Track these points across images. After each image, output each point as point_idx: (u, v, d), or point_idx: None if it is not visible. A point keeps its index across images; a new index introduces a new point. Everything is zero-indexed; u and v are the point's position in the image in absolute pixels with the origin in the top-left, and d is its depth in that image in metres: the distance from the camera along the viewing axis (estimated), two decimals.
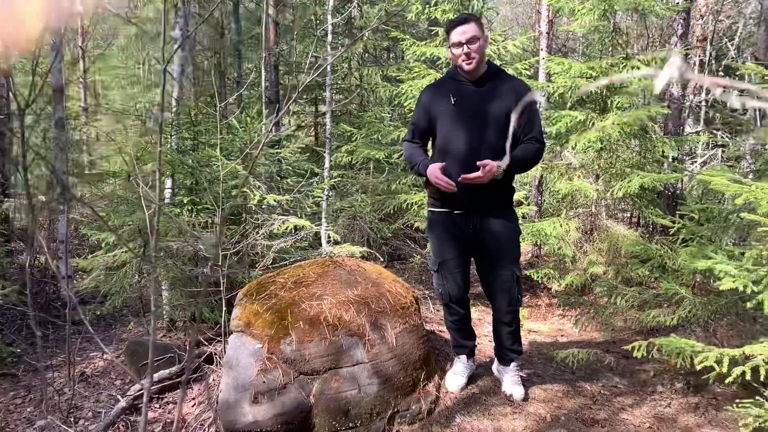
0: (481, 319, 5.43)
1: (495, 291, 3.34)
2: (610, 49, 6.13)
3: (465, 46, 3.09)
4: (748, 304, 2.20)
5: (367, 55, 8.47)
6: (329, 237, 5.14)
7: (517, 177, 3.42)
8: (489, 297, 3.46)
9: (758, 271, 2.17)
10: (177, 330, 4.57)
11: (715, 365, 2.17)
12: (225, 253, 3.40)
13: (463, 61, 3.13)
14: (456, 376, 3.55)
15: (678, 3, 6.58)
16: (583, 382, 3.86)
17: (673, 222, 3.53)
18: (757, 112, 5.95)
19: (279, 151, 4.57)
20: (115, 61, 12.48)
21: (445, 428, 3.18)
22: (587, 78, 5.89)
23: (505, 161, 3.01)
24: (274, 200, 3.89)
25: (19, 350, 4.63)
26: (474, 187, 3.09)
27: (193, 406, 3.46)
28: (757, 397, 2.43)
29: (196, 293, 3.70)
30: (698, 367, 2.23)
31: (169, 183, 4.78)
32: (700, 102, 10.14)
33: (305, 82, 1.55)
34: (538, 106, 4.81)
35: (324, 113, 7.00)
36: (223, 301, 2.29)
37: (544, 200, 8.04)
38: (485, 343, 4.50)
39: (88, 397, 3.70)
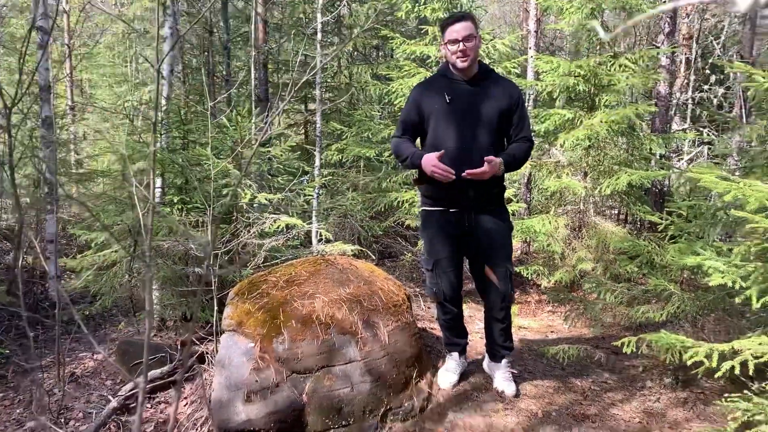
0: (472, 316, 5.46)
1: (489, 288, 3.36)
2: (597, 47, 6.17)
3: (461, 43, 3.10)
4: (737, 300, 2.23)
5: (356, 53, 8.47)
6: (320, 235, 5.14)
7: (506, 175, 3.46)
8: (482, 294, 3.48)
9: (746, 267, 2.21)
10: (167, 329, 4.56)
11: (705, 360, 2.20)
12: (216, 252, 3.40)
13: (458, 58, 3.14)
14: (448, 374, 3.56)
15: (664, 1, 6.63)
16: (573, 378, 3.89)
17: (662, 219, 3.56)
18: (743, 110, 6.03)
19: (269, 149, 4.56)
20: (101, 59, 12.39)
21: (438, 425, 3.20)
22: (575, 76, 5.93)
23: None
24: (266, 199, 3.89)
25: (7, 351, 4.60)
26: (468, 186, 3.12)
27: (185, 405, 3.45)
28: (746, 391, 2.46)
29: (188, 292, 3.70)
30: (688, 363, 2.26)
31: (158, 182, 4.76)
32: (686, 100, 10.24)
33: (301, 81, 1.55)
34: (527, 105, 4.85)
35: (314, 111, 6.99)
36: (215, 300, 2.29)
37: (533, 198, 8.09)
38: (476, 340, 4.52)
39: (79, 398, 3.69)
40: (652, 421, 3.35)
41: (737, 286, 2.20)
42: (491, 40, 6.17)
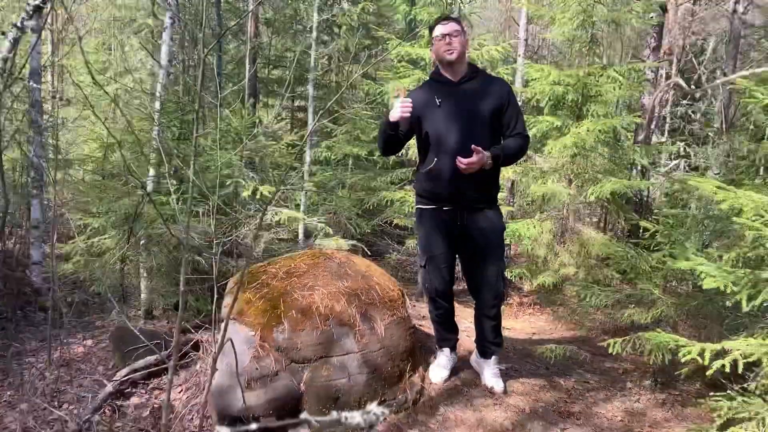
0: (458, 315, 5.56)
1: (480, 285, 3.45)
2: (587, 58, 6.34)
3: (447, 37, 3.20)
4: (728, 303, 2.37)
5: (347, 53, 8.54)
6: (317, 229, 5.20)
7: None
8: (474, 291, 3.57)
9: (736, 273, 2.34)
10: (160, 318, 4.58)
11: (698, 358, 2.33)
12: (217, 241, 3.44)
13: (445, 51, 3.23)
14: (439, 369, 3.65)
15: (652, 17, 6.84)
16: (557, 377, 4.01)
17: (653, 225, 3.71)
18: (724, 125, 6.26)
19: (273, 143, 4.61)
20: (86, 46, 12.25)
21: (430, 418, 3.29)
22: (564, 85, 6.08)
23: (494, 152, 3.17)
24: (267, 192, 3.95)
25: None
26: (462, 183, 3.20)
27: (180, 392, 3.49)
28: (729, 391, 2.60)
29: (188, 280, 3.72)
30: (682, 360, 2.38)
31: (152, 171, 4.77)
32: (665, 114, 10.51)
33: (330, 102, 1.61)
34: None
35: (305, 108, 7.04)
36: (215, 288, 2.34)
37: (515, 202, 8.25)
38: (463, 338, 4.62)
39: (71, 382, 3.69)
40: (634, 420, 3.49)
41: (729, 290, 2.34)
42: (485, 46, 6.28)
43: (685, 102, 10.18)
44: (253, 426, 2.96)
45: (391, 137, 3.34)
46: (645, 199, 7.40)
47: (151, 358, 3.65)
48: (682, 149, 9.51)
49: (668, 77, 10.12)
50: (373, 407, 0.96)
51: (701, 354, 2.34)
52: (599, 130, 5.71)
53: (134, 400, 3.53)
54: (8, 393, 3.70)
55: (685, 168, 9.62)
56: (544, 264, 6.20)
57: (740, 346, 2.26)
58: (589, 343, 4.89)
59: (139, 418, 3.37)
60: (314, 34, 6.35)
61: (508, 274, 6.23)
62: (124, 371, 3.58)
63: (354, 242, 5.34)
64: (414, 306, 5.68)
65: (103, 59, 12.59)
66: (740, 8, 7.22)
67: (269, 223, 4.46)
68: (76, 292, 5.42)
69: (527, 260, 6.51)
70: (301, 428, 3.10)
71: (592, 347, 4.69)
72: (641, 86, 6.70)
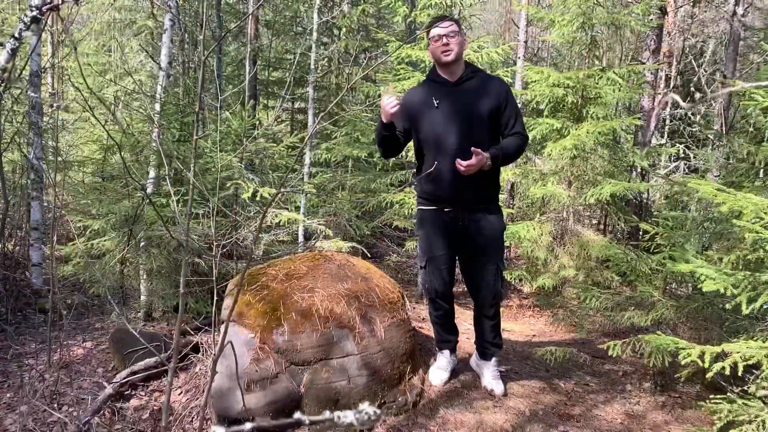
0: (458, 317, 5.57)
1: (480, 285, 3.47)
2: (586, 60, 6.35)
3: (444, 37, 3.18)
4: (728, 306, 2.37)
5: (347, 55, 8.55)
6: (318, 231, 5.21)
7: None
8: (473, 291, 3.58)
9: (736, 275, 2.34)
10: (159, 320, 4.57)
11: (698, 360, 2.33)
12: (216, 243, 3.44)
13: (442, 52, 3.22)
14: (439, 371, 3.66)
15: (651, 19, 6.85)
16: (557, 379, 4.01)
17: (653, 227, 3.72)
18: (723, 127, 6.27)
19: (273, 144, 4.62)
20: (85, 48, 12.27)
21: (430, 420, 3.29)
22: (564, 87, 6.09)
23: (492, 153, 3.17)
24: (268, 194, 3.95)
25: None
26: (463, 182, 3.21)
27: (180, 394, 3.49)
28: (729, 394, 2.60)
29: (187, 282, 3.73)
30: (682, 363, 2.39)
31: (152, 173, 4.77)
32: (664, 116, 10.52)
33: (331, 105, 1.62)
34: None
35: (305, 109, 7.04)
36: (215, 290, 2.34)
37: (515, 204, 8.26)
38: (463, 340, 4.62)
39: (71, 384, 3.69)
40: (633, 422, 3.49)
41: (729, 293, 2.34)
42: (485, 49, 6.29)
43: (684, 104, 10.20)
44: (248, 426, 2.96)
45: (387, 138, 3.35)
46: (645, 201, 7.40)
47: (150, 360, 3.65)
48: (681, 151, 9.52)
49: (668, 79, 10.13)
50: (365, 406, 0.96)
51: (701, 356, 2.34)
52: (599, 132, 5.71)
53: (134, 402, 3.53)
54: (8, 395, 3.69)
55: (684, 170, 9.63)
56: (543, 266, 6.20)
57: (740, 349, 2.27)
58: (588, 346, 4.90)
59: (139, 421, 3.37)
60: (314, 36, 6.36)
61: (507, 276, 6.23)
62: (123, 373, 3.58)
63: (354, 244, 5.35)
64: (414, 308, 5.69)
65: (103, 61, 12.59)
66: (740, 10, 7.23)
67: (269, 225, 4.46)
68: (75, 294, 5.41)
69: (527, 262, 6.51)
70: (299, 429, 3.10)
71: (591, 350, 4.69)
72: (641, 88, 6.71)
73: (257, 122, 6.33)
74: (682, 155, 10.04)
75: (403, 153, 5.54)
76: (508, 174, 6.67)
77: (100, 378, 3.80)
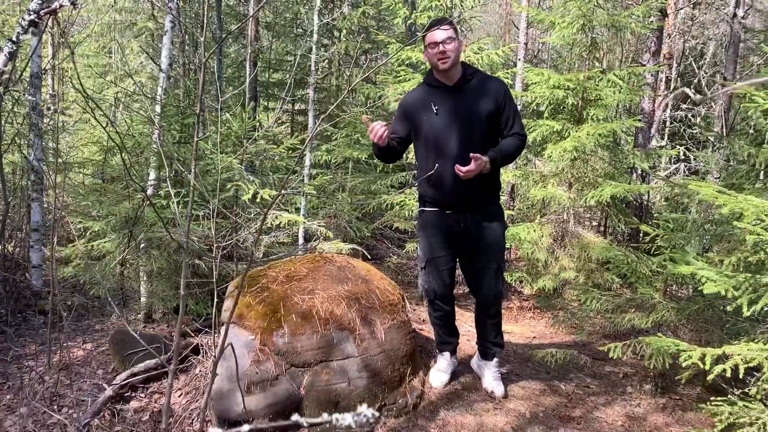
0: (458, 319, 5.56)
1: (482, 285, 3.48)
2: (587, 62, 6.35)
3: (441, 45, 3.15)
4: (729, 308, 2.37)
5: (348, 56, 8.55)
6: (318, 233, 5.21)
7: None
8: (474, 291, 3.59)
9: (737, 278, 2.34)
10: (159, 321, 4.57)
11: (699, 362, 2.33)
12: (217, 245, 3.45)
13: (438, 59, 3.19)
14: (439, 373, 3.65)
15: (652, 21, 6.85)
16: (557, 381, 4.01)
17: (653, 229, 3.72)
18: (724, 129, 6.27)
19: (274, 146, 4.62)
20: (86, 50, 12.28)
21: (430, 422, 3.28)
22: (565, 89, 6.09)
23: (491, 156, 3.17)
24: (268, 196, 3.95)
25: None
26: (464, 186, 3.21)
27: (180, 396, 3.48)
28: (729, 396, 2.60)
29: (188, 284, 3.72)
30: (683, 365, 2.38)
31: (152, 175, 4.78)
32: (665, 118, 10.53)
33: (332, 106, 1.62)
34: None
35: (305, 111, 7.04)
36: (215, 291, 2.33)
37: (515, 206, 8.25)
38: (463, 342, 4.62)
39: (71, 386, 3.68)
40: (634, 424, 3.48)
41: (729, 295, 2.34)
42: (485, 50, 6.29)
43: (685, 106, 10.20)
44: (245, 428, 2.96)
45: (384, 151, 3.36)
46: (645, 203, 7.40)
47: (150, 362, 3.64)
48: (682, 153, 9.52)
49: (668, 81, 10.13)
50: (363, 409, 0.96)
51: (702, 359, 2.34)
52: (599, 134, 5.71)
53: (134, 404, 3.53)
54: (8, 397, 3.69)
55: (684, 172, 9.63)
56: (544, 268, 6.20)
57: (741, 351, 2.26)
58: (589, 348, 4.89)
59: (139, 422, 3.36)
60: (315, 37, 6.36)
61: (508, 278, 6.22)
62: (123, 375, 3.57)
63: (354, 246, 5.34)
64: (414, 310, 5.68)
65: (104, 63, 12.60)
66: (740, 12, 7.23)
67: (269, 227, 4.46)
68: (75, 295, 5.41)
69: (527, 264, 6.51)
70: (298, 431, 3.10)
71: (592, 351, 4.69)
72: (641, 90, 6.72)
73: (258, 124, 6.34)
74: (683, 157, 10.05)
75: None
76: (508, 176, 6.68)
77: (100, 380, 3.80)
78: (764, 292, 2.39)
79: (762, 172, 3.84)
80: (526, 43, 8.30)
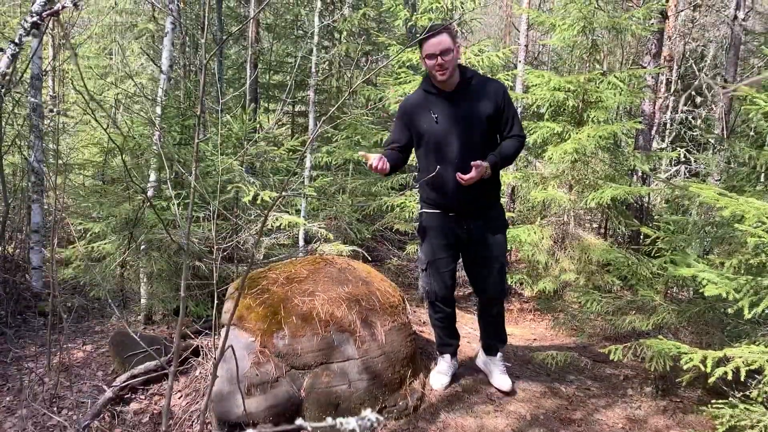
0: (458, 320, 5.56)
1: (485, 283, 3.50)
2: (587, 64, 6.35)
3: (439, 57, 3.13)
4: (730, 310, 2.36)
5: (348, 58, 8.56)
6: (319, 235, 5.20)
7: None
8: (478, 289, 3.61)
9: (738, 280, 2.34)
10: (159, 323, 4.57)
11: (700, 365, 2.32)
12: (217, 247, 3.44)
13: (437, 71, 3.18)
14: (440, 375, 3.65)
15: (652, 23, 6.85)
16: (558, 383, 4.00)
17: (654, 231, 3.71)
18: (725, 132, 6.27)
19: (275, 148, 4.62)
20: (86, 51, 12.29)
21: (431, 424, 3.28)
22: (565, 91, 6.09)
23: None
24: (269, 197, 3.95)
25: None
26: (465, 191, 3.22)
27: (180, 398, 3.48)
28: (731, 399, 2.59)
29: (188, 286, 3.72)
30: (684, 367, 2.38)
31: (153, 176, 4.77)
32: (665, 120, 10.53)
33: (333, 108, 1.61)
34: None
35: (305, 113, 7.04)
36: (215, 293, 2.33)
37: (516, 208, 8.25)
38: (463, 344, 4.61)
39: (70, 387, 3.68)
40: (635, 427, 3.47)
41: (731, 297, 2.33)
42: (486, 53, 6.29)
43: (685, 108, 10.20)
44: None
45: (389, 172, 3.37)
46: (645, 205, 7.40)
47: (150, 364, 3.64)
48: (682, 155, 9.52)
49: (668, 83, 10.13)
50: (367, 413, 0.95)
51: (703, 361, 2.34)
52: (600, 136, 5.71)
53: (134, 405, 3.52)
54: (7, 398, 3.69)
55: (685, 174, 9.63)
56: (544, 270, 6.19)
57: (742, 354, 2.26)
58: (589, 350, 4.88)
59: (139, 424, 3.36)
60: (315, 39, 6.36)
61: (508, 279, 6.22)
62: (123, 377, 3.57)
63: (354, 247, 5.34)
64: (414, 311, 5.67)
65: (104, 64, 12.61)
66: (741, 15, 7.23)
67: (270, 228, 4.46)
68: (75, 297, 5.40)
69: (527, 266, 6.51)
70: None
71: (592, 354, 4.68)
72: (641, 92, 6.71)
73: (258, 125, 6.33)
74: (683, 159, 10.04)
75: None
76: (508, 177, 6.68)
77: (99, 381, 3.80)
78: (765, 295, 2.39)
79: (763, 175, 3.84)
80: (526, 45, 8.30)
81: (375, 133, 6.70)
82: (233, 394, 2.99)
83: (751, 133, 4.24)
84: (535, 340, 5.44)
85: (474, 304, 6.34)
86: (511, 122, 3.35)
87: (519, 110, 8.25)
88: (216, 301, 2.50)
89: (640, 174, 7.23)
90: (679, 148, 9.54)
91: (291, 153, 7.29)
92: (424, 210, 3.52)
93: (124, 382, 3.51)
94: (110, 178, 6.04)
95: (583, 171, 6.18)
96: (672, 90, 11.03)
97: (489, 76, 6.20)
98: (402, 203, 6.13)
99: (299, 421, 0.96)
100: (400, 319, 3.56)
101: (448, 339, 3.72)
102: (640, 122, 6.22)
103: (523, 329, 5.87)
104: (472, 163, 3.09)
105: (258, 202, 4.29)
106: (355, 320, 3.32)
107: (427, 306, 3.91)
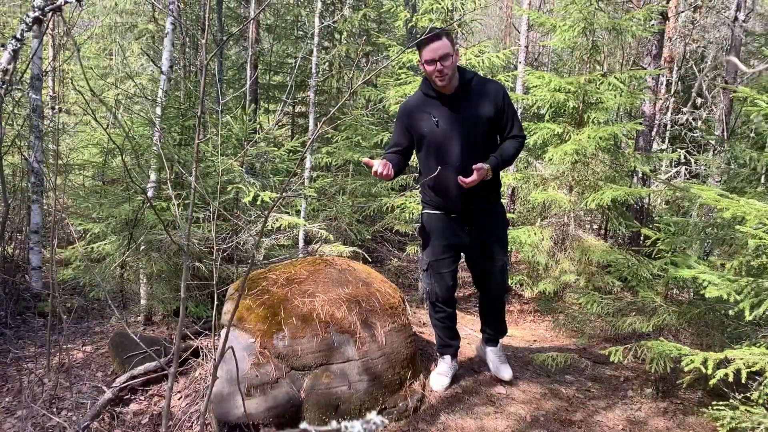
0: (459, 321, 5.55)
1: (488, 282, 3.56)
2: (587, 65, 6.35)
3: (438, 63, 3.12)
4: (731, 312, 2.36)
5: (348, 59, 8.56)
6: (319, 235, 5.20)
7: None
8: (481, 288, 3.66)
9: (739, 281, 2.34)
10: (159, 324, 4.56)
11: (701, 367, 2.32)
12: (217, 247, 3.44)
13: (436, 77, 3.17)
14: (440, 376, 3.65)
15: (653, 25, 6.85)
16: (558, 385, 3.99)
17: (655, 233, 3.71)
18: (725, 133, 6.27)
19: (274, 148, 4.62)
20: (86, 51, 12.30)
21: (431, 426, 3.27)
22: (566, 93, 6.09)
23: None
24: (269, 198, 3.94)
25: None
26: (467, 192, 3.23)
27: (179, 399, 3.47)
28: (731, 401, 2.59)
29: (188, 286, 3.72)
30: (685, 369, 2.38)
31: (153, 177, 4.77)
32: (666, 121, 10.53)
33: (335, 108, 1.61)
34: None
35: (305, 113, 7.04)
36: (215, 294, 2.32)
37: (516, 209, 8.25)
38: (464, 345, 4.60)
39: (70, 388, 3.67)
40: (636, 429, 3.46)
41: (731, 299, 2.33)
42: (482, 54, 6.29)
43: (686, 109, 10.21)
44: None
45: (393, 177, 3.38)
46: (646, 206, 7.40)
47: (150, 365, 3.63)
48: (682, 156, 9.52)
49: (669, 85, 10.13)
50: (373, 416, 0.95)
51: (704, 363, 2.34)
52: (600, 137, 5.71)
53: (133, 406, 3.52)
54: (7, 399, 3.68)
55: (685, 175, 9.63)
56: (544, 271, 6.19)
57: (743, 355, 2.26)
58: (589, 351, 4.88)
59: (138, 425, 3.35)
60: (315, 40, 6.36)
61: (508, 280, 6.22)
62: (123, 378, 3.56)
63: (354, 248, 5.34)
64: (414, 313, 5.67)
65: (104, 65, 12.63)
66: (741, 16, 7.23)
67: (270, 229, 4.45)
68: (75, 297, 5.40)
69: (528, 267, 6.51)
70: None
71: (593, 355, 4.67)
72: (642, 93, 6.72)
73: (258, 126, 6.33)
74: (684, 160, 10.04)
75: None
76: (509, 178, 6.68)
77: (99, 382, 3.79)
78: (766, 297, 2.39)
79: (763, 176, 3.83)
80: (526, 46, 8.30)
81: (375, 134, 6.69)
82: (233, 395, 2.98)
83: (752, 135, 4.24)
84: (535, 341, 5.43)
85: (475, 305, 6.34)
86: (511, 123, 3.36)
87: (519, 111, 8.26)
88: (216, 302, 2.49)
89: (640, 175, 7.23)
90: (679, 150, 9.53)
91: (291, 154, 7.28)
92: (425, 211, 3.53)
93: (124, 383, 3.50)
94: (110, 178, 6.04)
95: (583, 172, 6.18)
96: (672, 91, 11.02)
97: (489, 77, 6.21)
98: (402, 204, 6.13)
99: (304, 425, 0.96)
100: (400, 320, 3.55)
101: (449, 340, 3.72)
102: (640, 123, 6.22)
103: (523, 330, 5.86)
104: (474, 165, 3.10)
105: (258, 202, 4.28)
106: (355, 321, 3.31)
107: (427, 306, 3.91)
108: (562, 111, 6.36)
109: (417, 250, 6.11)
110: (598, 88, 6.10)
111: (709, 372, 2.28)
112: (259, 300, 3.33)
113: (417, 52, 3.29)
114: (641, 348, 3.16)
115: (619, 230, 6.42)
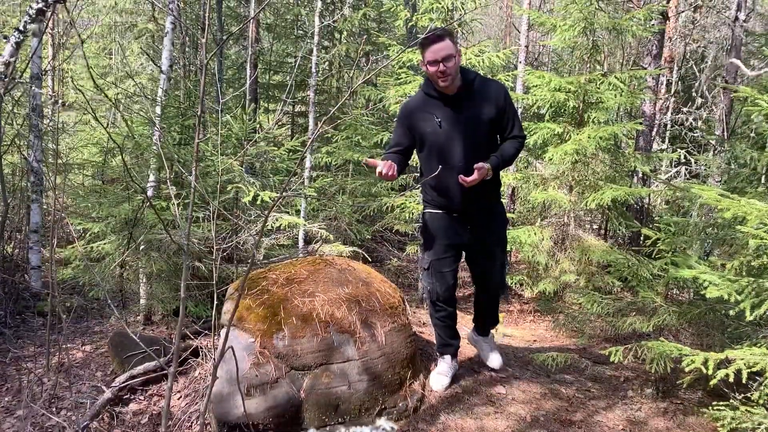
0: (459, 321, 5.55)
1: (488, 279, 3.59)
2: (588, 65, 6.34)
3: (441, 64, 3.09)
4: (732, 312, 2.36)
5: (348, 58, 8.55)
6: (318, 235, 5.20)
7: None
8: (480, 284, 3.69)
9: (740, 282, 2.33)
10: (159, 324, 4.56)
11: (702, 367, 2.32)
12: (217, 247, 3.44)
13: (439, 78, 3.15)
14: (440, 376, 3.64)
15: (653, 24, 6.85)
16: (558, 385, 3.99)
17: (655, 233, 3.71)
18: (725, 133, 6.27)
19: (274, 148, 4.61)
20: (86, 51, 12.29)
21: (431, 426, 3.27)
22: (566, 92, 6.09)
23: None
24: (269, 198, 3.94)
25: None
26: (468, 192, 3.23)
27: (179, 399, 3.47)
28: (732, 401, 2.59)
29: (187, 286, 3.71)
30: (685, 369, 2.37)
31: (152, 176, 4.76)
32: (666, 121, 10.52)
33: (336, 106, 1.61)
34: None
35: (305, 113, 7.03)
36: (215, 294, 2.32)
37: (516, 209, 8.25)
38: (464, 345, 4.60)
39: (70, 388, 3.67)
40: (636, 429, 3.46)
41: (732, 299, 2.33)
42: (483, 54, 6.28)
43: (686, 109, 10.21)
44: None
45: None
46: (646, 206, 7.40)
47: (150, 365, 3.63)
48: (683, 156, 9.51)
49: (669, 85, 10.13)
50: (382, 421, 0.94)
51: (704, 363, 2.33)
52: (600, 137, 5.71)
53: (133, 406, 3.51)
54: (6, 399, 3.67)
55: (685, 175, 9.63)
56: (544, 271, 6.19)
57: (744, 356, 2.25)
58: (589, 351, 4.87)
59: (138, 425, 3.35)
60: (315, 39, 6.36)
61: (508, 281, 6.22)
62: (122, 377, 3.56)
63: (354, 248, 5.33)
64: (414, 312, 5.67)
65: (104, 64, 12.63)
66: (741, 16, 7.23)
67: (269, 229, 4.45)
68: (75, 297, 5.39)
69: (528, 267, 6.50)
70: None
71: (593, 355, 4.67)
72: (642, 93, 6.72)
73: (258, 126, 6.32)
74: (684, 160, 10.03)
75: None
76: (509, 178, 6.67)
77: (99, 382, 3.78)
78: (767, 297, 2.38)
79: (764, 176, 3.83)
80: (527, 46, 8.30)
81: (375, 134, 6.69)
82: (233, 395, 2.98)
83: (752, 135, 4.23)
84: (535, 341, 5.43)
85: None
86: (512, 123, 3.36)
87: (519, 111, 8.25)
88: (216, 302, 2.49)
89: (640, 175, 7.23)
90: (679, 149, 9.53)
91: (291, 153, 7.28)
92: (427, 210, 3.53)
93: (124, 382, 3.49)
94: (110, 177, 6.03)
95: (583, 172, 6.18)
96: (672, 91, 11.02)
97: (489, 77, 6.21)
98: (402, 204, 6.13)
99: (311, 430, 0.95)
100: (400, 320, 3.55)
101: (449, 339, 3.71)
102: (640, 123, 6.22)
103: (523, 330, 5.86)
104: (475, 165, 3.10)
105: (258, 202, 4.28)
106: (355, 321, 3.31)
107: (428, 306, 3.92)
108: (562, 111, 6.35)
109: (417, 250, 6.10)
110: (599, 88, 6.10)
111: (710, 372, 2.28)
112: (258, 300, 3.33)
113: (419, 52, 3.27)
114: (641, 348, 3.15)
115: (619, 230, 6.42)
